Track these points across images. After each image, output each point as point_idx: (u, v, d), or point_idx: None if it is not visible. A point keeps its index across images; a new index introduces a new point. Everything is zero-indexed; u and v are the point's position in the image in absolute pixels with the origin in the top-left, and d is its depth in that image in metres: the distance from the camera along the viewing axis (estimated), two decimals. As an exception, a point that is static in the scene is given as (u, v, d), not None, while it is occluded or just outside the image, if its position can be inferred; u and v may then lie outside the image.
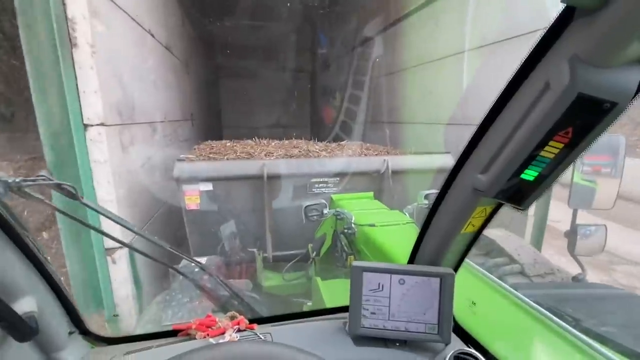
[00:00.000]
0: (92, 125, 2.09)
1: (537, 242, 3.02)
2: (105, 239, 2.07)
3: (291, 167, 2.95)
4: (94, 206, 0.76)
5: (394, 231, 1.75)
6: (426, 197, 1.99)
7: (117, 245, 2.09)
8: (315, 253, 2.58)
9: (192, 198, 2.77)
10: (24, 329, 0.63)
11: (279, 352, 0.56)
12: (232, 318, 0.91)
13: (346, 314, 0.92)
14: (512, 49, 2.98)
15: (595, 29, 0.45)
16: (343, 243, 1.93)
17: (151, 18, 3.46)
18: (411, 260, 0.95)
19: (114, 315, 0.97)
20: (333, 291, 1.67)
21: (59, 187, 0.67)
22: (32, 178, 0.63)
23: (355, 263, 0.85)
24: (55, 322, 0.77)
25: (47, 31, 1.87)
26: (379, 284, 0.83)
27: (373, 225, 1.79)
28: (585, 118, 0.51)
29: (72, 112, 1.99)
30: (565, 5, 0.47)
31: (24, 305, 0.65)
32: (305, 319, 0.97)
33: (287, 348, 0.57)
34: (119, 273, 2.26)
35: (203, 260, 1.74)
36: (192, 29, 6.10)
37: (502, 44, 3.10)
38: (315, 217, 2.01)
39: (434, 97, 4.21)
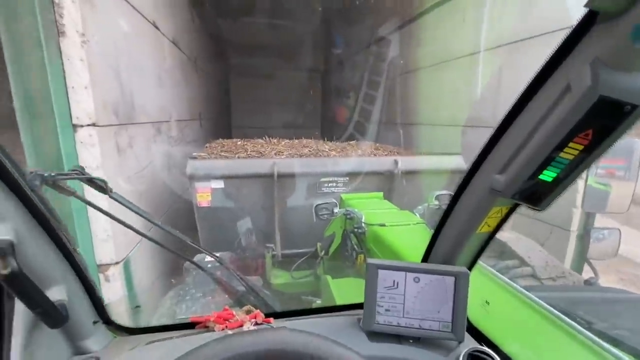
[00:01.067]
0: (82, 126, 1.84)
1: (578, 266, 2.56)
2: (97, 253, 1.98)
3: (301, 165, 2.98)
4: (123, 200, 0.80)
5: (404, 231, 1.76)
6: (437, 197, 2.00)
7: (111, 261, 2.02)
8: (324, 252, 2.59)
9: (204, 195, 2.82)
10: (56, 316, 0.67)
11: (318, 342, 0.57)
12: (249, 312, 0.94)
13: (360, 311, 0.93)
14: (528, 50, 2.96)
15: (617, 33, 0.46)
16: (353, 242, 1.95)
17: (156, 9, 3.23)
18: (425, 259, 0.97)
19: (136, 307, 1.00)
20: (343, 289, 1.68)
21: (90, 181, 0.71)
22: (66, 172, 0.66)
23: (371, 260, 0.86)
24: (82, 311, 0.80)
25: (30, 17, 1.62)
26: (394, 281, 0.84)
27: (383, 225, 1.80)
28: (605, 120, 0.51)
29: (58, 111, 1.75)
30: (587, 9, 0.48)
31: (55, 293, 0.69)
32: (319, 315, 0.99)
33: (325, 339, 0.58)
34: (113, 292, 2.05)
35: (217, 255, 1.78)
36: (202, 25, 5.95)
37: (518, 45, 3.07)
38: (325, 216, 2.03)
39: (452, 98, 4.17)
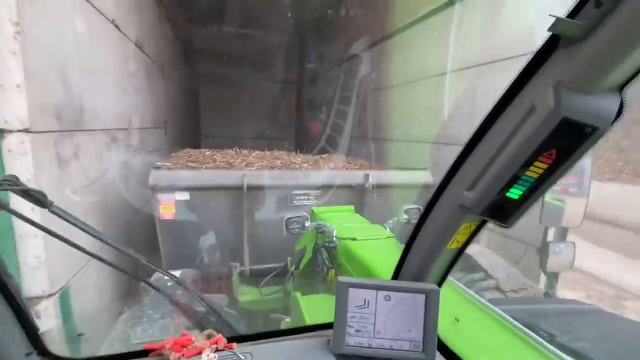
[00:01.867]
0: (11, 132, 1.58)
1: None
2: (25, 284, 1.65)
3: (272, 178, 2.90)
4: (66, 215, 0.71)
5: (375, 245, 1.76)
6: (406, 211, 2.03)
7: (43, 293, 1.70)
8: (294, 267, 2.51)
9: (167, 207, 2.66)
10: None
11: None
12: (209, 337, 0.86)
13: (329, 331, 0.89)
14: (491, 73, 3.15)
15: (579, 58, 0.48)
16: (324, 257, 1.91)
17: (117, 7, 2.98)
18: (395, 276, 0.95)
19: (78, 335, 0.87)
20: (313, 306, 1.63)
21: (26, 193, 0.62)
22: (-5, 183, 0.57)
23: (341, 278, 0.83)
24: (12, 341, 0.70)
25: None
26: (365, 300, 0.81)
27: (354, 239, 1.79)
28: (568, 141, 0.53)
29: (-21, 113, 1.51)
30: (550, 33, 0.49)
31: None
32: (286, 337, 0.93)
33: None
34: (46, 328, 1.72)
35: (177, 273, 1.67)
36: (170, 30, 5.74)
37: (482, 67, 3.26)
38: (296, 229, 1.99)
39: (422, 115, 4.32)
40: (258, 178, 2.79)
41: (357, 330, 0.82)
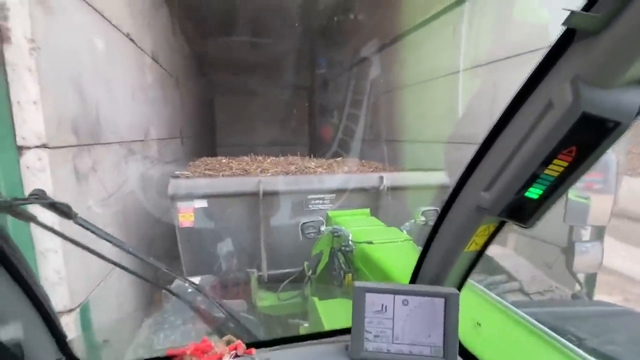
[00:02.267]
0: (29, 148, 1.57)
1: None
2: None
3: (287, 183, 2.93)
4: (89, 226, 0.74)
5: (392, 249, 1.74)
6: (423, 213, 2.00)
7: (64, 308, 1.72)
8: (311, 271, 2.51)
9: (186, 215, 2.73)
10: (6, 357, 0.60)
11: None
12: (229, 342, 0.87)
13: (348, 337, 0.88)
14: (504, 69, 3.08)
15: (596, 51, 0.46)
16: (340, 261, 1.90)
17: (132, 21, 3.03)
18: (413, 280, 0.94)
19: (103, 341, 0.90)
20: (331, 311, 1.62)
21: (52, 206, 0.65)
22: (23, 197, 0.61)
23: (358, 283, 0.82)
24: (42, 348, 0.73)
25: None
26: (382, 305, 0.80)
27: (371, 243, 1.77)
28: (589, 137, 0.51)
29: (-1, 130, 1.50)
30: (566, 27, 0.48)
31: (9, 332, 0.62)
32: (304, 342, 0.93)
33: None
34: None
35: (197, 280, 1.70)
36: (184, 42, 5.87)
37: (496, 65, 3.19)
38: (312, 234, 1.99)
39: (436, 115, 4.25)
40: (273, 184, 2.82)
41: (375, 336, 0.81)
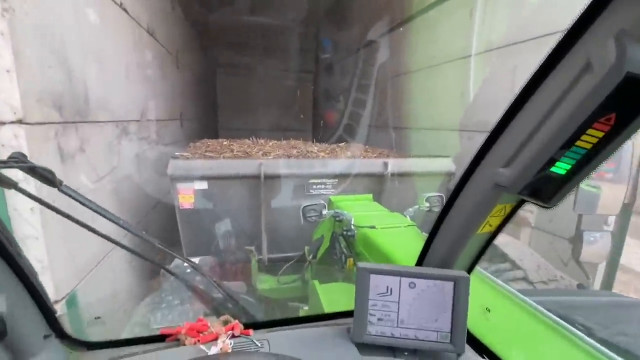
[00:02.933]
0: (3, 123, 1.40)
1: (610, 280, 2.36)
2: None
3: (289, 166, 2.87)
4: (76, 195, 0.69)
5: (395, 234, 1.70)
6: (428, 199, 1.95)
7: None
8: (312, 255, 2.49)
9: (186, 197, 2.68)
10: None
11: None
12: (226, 323, 0.84)
13: (349, 320, 0.85)
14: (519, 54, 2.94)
15: None
16: (342, 245, 1.87)
17: None
18: (419, 262, 0.89)
19: (95, 318, 0.87)
20: (332, 295, 1.59)
21: (32, 170, 0.60)
22: (2, 160, 0.56)
23: (361, 264, 0.78)
24: (29, 323, 0.69)
25: None
26: (387, 287, 0.76)
27: (373, 227, 1.73)
28: (631, 102, 0.45)
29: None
30: None
31: None
32: (304, 325, 0.90)
33: None
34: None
35: (196, 260, 1.67)
36: (185, 18, 5.54)
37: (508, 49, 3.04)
38: (313, 218, 1.95)
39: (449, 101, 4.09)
40: (275, 167, 2.77)
41: (379, 319, 0.77)
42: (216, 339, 0.78)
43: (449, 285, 0.75)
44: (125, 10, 2.75)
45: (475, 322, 0.86)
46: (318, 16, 7.32)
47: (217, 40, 7.89)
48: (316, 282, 1.71)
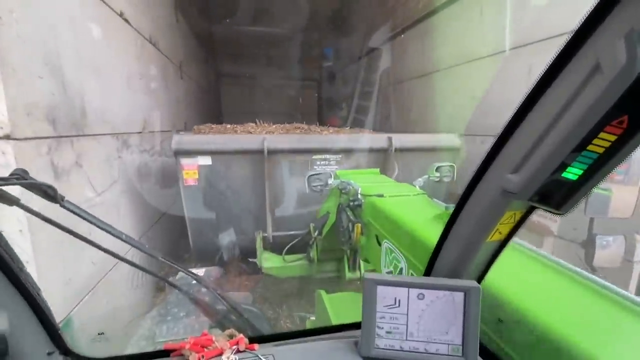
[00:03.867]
0: None
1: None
2: None
3: (292, 142, 2.83)
4: (79, 211, 0.69)
5: (404, 202, 1.60)
6: (438, 169, 1.87)
7: None
8: (317, 232, 2.41)
9: (190, 173, 2.69)
10: None
11: None
12: (231, 337, 0.82)
13: (357, 332, 0.83)
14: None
15: None
16: (348, 214, 1.76)
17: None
18: (428, 272, 0.87)
19: (98, 334, 0.86)
20: (339, 305, 1.57)
21: (33, 187, 0.60)
22: (3, 177, 0.55)
23: (368, 275, 0.76)
24: (31, 340, 0.68)
25: None
26: (396, 298, 0.74)
27: (381, 196, 1.63)
28: None
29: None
30: None
31: None
32: (310, 338, 0.88)
33: None
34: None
35: (201, 271, 1.66)
36: (189, 29, 5.57)
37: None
38: (319, 187, 1.87)
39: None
40: (278, 142, 2.74)
41: (387, 332, 0.75)
42: (221, 354, 0.76)
43: (460, 295, 0.72)
44: (126, 20, 2.73)
45: (489, 332, 0.83)
46: (322, 25, 7.39)
47: (222, 51, 8.00)
48: (323, 292, 1.69)
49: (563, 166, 0.53)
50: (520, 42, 2.97)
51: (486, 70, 3.35)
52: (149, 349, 0.87)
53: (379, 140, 2.92)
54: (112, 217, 2.41)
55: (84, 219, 0.70)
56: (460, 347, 0.72)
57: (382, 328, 0.75)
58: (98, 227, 0.73)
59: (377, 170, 2.44)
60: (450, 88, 4.00)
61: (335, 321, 1.43)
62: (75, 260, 1.76)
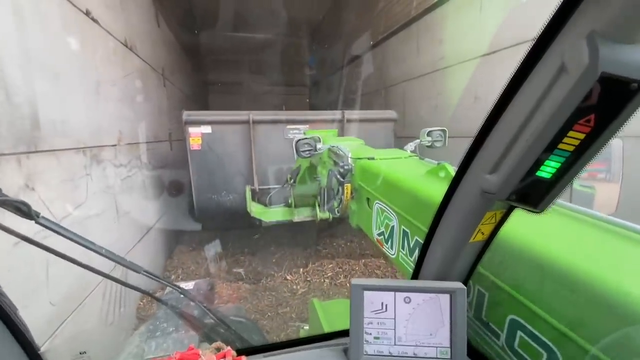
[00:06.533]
0: None
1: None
2: None
3: (270, 115, 3.94)
4: (55, 227, 0.67)
5: (396, 163, 1.57)
6: (429, 134, 1.85)
7: None
8: (292, 179, 3.19)
9: (195, 139, 3.64)
10: None
11: None
12: (218, 350, 0.81)
13: (346, 339, 0.82)
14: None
15: (615, 2, 0.40)
16: (338, 176, 1.70)
17: None
18: (415, 276, 0.87)
19: (80, 353, 0.82)
20: (332, 313, 1.55)
21: (5, 204, 0.58)
22: (-27, 195, 0.54)
23: (355, 281, 0.76)
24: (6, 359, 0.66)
25: None
26: (383, 303, 0.74)
27: (372, 159, 1.60)
28: (610, 101, 0.44)
29: None
30: None
31: None
32: (299, 347, 0.86)
33: None
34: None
35: (190, 285, 1.63)
36: (172, 35, 5.39)
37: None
38: (307, 152, 1.84)
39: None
40: (261, 116, 3.84)
41: (375, 338, 0.74)
42: (207, 368, 0.75)
43: (445, 298, 0.72)
44: (94, 20, 2.49)
45: (477, 334, 0.83)
46: (312, 30, 7.43)
47: (208, 58, 7.94)
48: (315, 301, 1.67)
49: (537, 165, 0.54)
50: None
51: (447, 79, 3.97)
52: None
53: (336, 114, 4.04)
54: (77, 248, 2.12)
55: (62, 235, 0.68)
56: (449, 350, 0.72)
57: (370, 334, 0.74)
58: (77, 243, 0.71)
59: (335, 131, 3.24)
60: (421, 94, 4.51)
61: (327, 330, 1.42)
62: (51, 287, 1.55)
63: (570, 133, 0.48)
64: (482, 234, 0.72)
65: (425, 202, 1.07)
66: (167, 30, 5.09)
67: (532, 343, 0.67)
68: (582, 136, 0.48)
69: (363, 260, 4.01)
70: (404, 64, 4.90)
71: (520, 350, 0.70)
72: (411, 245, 1.15)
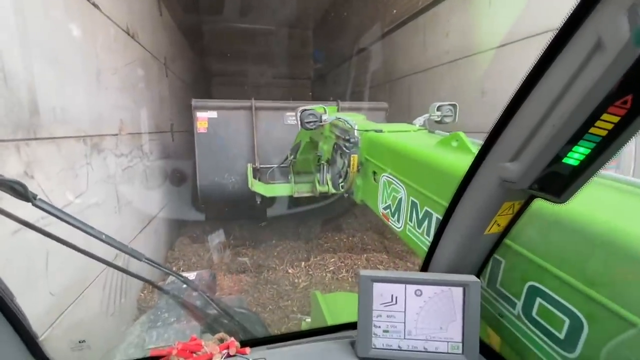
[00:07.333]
0: None
1: None
2: None
3: (270, 103, 4.28)
4: (52, 209, 0.64)
5: (404, 136, 1.52)
6: (439, 108, 1.79)
7: None
8: (292, 156, 3.27)
9: (202, 123, 3.97)
10: None
11: None
12: (221, 341, 0.78)
13: (353, 332, 0.80)
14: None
15: None
16: (343, 148, 1.66)
17: None
18: (425, 268, 0.84)
19: (79, 342, 0.81)
20: (335, 305, 1.53)
21: (4, 186, 0.55)
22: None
23: (363, 272, 0.73)
24: (9, 351, 0.64)
25: None
26: (392, 296, 0.71)
27: (380, 131, 1.54)
28: None
29: None
30: None
31: None
32: (305, 340, 0.84)
33: None
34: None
35: (192, 275, 1.61)
36: (175, 24, 5.28)
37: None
38: (312, 124, 1.77)
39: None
40: (262, 103, 4.20)
41: (384, 331, 0.72)
42: (210, 359, 0.72)
43: (458, 291, 0.70)
44: (95, 5, 2.42)
45: (489, 328, 0.80)
46: (316, 22, 7.31)
47: (211, 48, 7.84)
48: (318, 293, 1.65)
49: (564, 151, 0.50)
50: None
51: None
52: (137, 356, 0.83)
53: (331, 104, 4.19)
54: (78, 235, 2.10)
55: (60, 218, 0.66)
56: (461, 345, 0.69)
57: (379, 327, 0.72)
58: (75, 227, 0.69)
59: (335, 107, 3.38)
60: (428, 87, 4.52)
61: (331, 322, 1.40)
62: (48, 280, 1.53)
63: (604, 116, 0.45)
64: (498, 225, 0.69)
65: (438, 170, 1.04)
66: (170, 18, 4.98)
67: (553, 309, 0.64)
68: (616, 119, 0.45)
69: (365, 255, 4.00)
70: (409, 57, 4.84)
71: (538, 318, 0.68)
72: (420, 216, 1.12)
